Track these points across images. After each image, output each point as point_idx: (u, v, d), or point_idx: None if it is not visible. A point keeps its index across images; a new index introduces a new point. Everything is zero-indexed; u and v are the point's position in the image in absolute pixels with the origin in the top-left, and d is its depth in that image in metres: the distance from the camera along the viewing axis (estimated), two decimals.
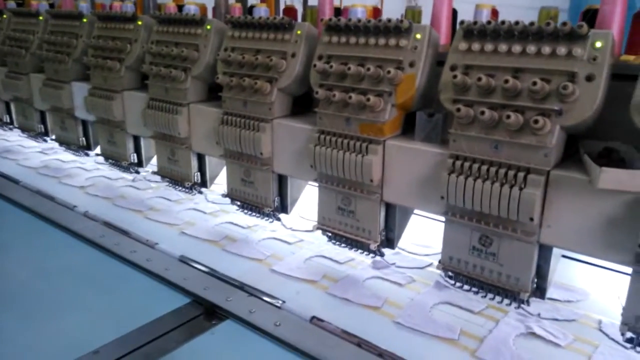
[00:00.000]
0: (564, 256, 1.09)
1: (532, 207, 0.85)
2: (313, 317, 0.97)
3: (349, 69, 1.04)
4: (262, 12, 1.38)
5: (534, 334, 0.94)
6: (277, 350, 0.92)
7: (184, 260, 1.20)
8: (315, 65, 1.10)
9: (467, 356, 0.89)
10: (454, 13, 1.16)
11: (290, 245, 1.29)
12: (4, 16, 2.11)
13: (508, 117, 0.85)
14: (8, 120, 2.29)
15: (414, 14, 1.20)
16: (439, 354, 0.90)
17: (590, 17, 0.99)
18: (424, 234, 1.32)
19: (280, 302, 1.02)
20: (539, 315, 0.99)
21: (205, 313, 1.01)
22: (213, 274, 1.14)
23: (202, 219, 1.44)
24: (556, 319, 0.98)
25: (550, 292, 1.02)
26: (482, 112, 0.87)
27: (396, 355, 0.88)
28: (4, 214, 1.53)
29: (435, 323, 0.97)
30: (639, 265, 0.81)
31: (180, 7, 1.60)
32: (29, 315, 1.03)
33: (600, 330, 0.96)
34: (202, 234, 1.35)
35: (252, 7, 1.46)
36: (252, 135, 1.24)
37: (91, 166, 1.88)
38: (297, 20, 1.37)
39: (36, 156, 2.00)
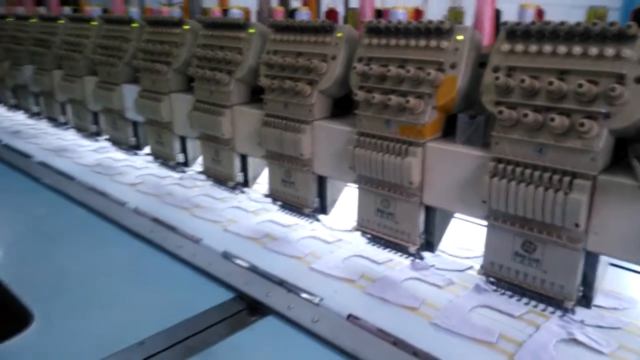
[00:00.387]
0: (611, 264, 1.05)
1: (578, 213, 0.83)
2: (350, 315, 0.99)
3: (389, 70, 1.05)
4: (304, 15, 1.40)
5: (575, 341, 0.91)
6: (314, 345, 0.94)
7: (226, 256, 1.24)
8: (355, 67, 1.11)
9: None
10: (497, 13, 1.14)
11: (329, 245, 1.31)
12: (60, 22, 2.22)
13: (552, 119, 0.83)
14: (64, 121, 2.41)
15: (456, 14, 1.19)
16: (476, 356, 0.89)
17: None
18: (465, 237, 1.30)
19: (318, 299, 1.04)
20: (582, 322, 0.96)
21: (248, 308, 1.04)
22: (254, 269, 1.17)
23: (244, 217, 1.48)
24: (600, 326, 0.95)
25: (596, 300, 0.99)
26: (526, 115, 0.85)
27: (431, 355, 0.88)
28: (60, 208, 1.62)
29: (473, 326, 0.96)
30: None
31: (225, 11, 1.64)
32: (79, 306, 1.08)
33: None
34: (244, 231, 1.38)
35: (293, 10, 1.49)
36: (293, 136, 1.26)
37: (141, 165, 1.96)
38: (339, 22, 1.38)
39: (90, 154, 2.10)
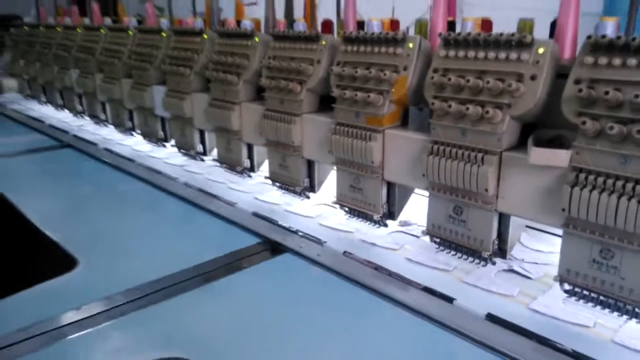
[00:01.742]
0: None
1: None
2: (345, 252, 1.30)
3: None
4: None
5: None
6: (318, 271, 1.24)
7: (256, 214, 1.55)
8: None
9: None
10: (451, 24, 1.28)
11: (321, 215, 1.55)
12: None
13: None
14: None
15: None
16: (434, 278, 1.18)
17: None
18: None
19: (323, 241, 1.36)
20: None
21: (271, 248, 1.36)
22: (276, 222, 1.49)
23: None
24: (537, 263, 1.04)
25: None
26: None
27: (402, 275, 1.17)
28: (124, 183, 1.85)
29: (435, 259, 1.17)
30: None
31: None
32: (125, 251, 1.39)
33: None
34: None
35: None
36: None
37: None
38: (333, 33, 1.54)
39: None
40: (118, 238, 1.45)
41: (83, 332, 0.97)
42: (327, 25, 1.73)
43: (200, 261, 1.26)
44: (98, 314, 1.02)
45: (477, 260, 1.19)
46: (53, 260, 1.28)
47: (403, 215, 1.45)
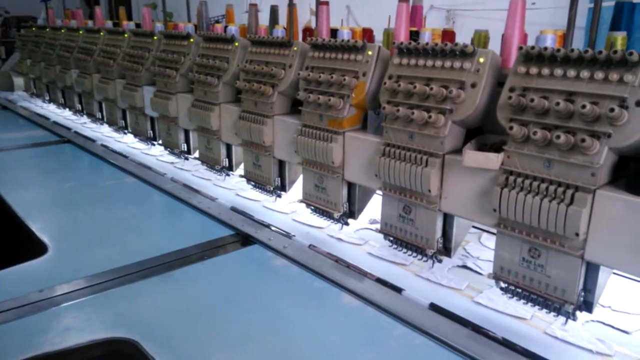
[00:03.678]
0: None
1: None
2: (310, 245, 1.40)
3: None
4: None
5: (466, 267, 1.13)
6: (284, 262, 1.33)
7: (233, 209, 1.65)
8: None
9: None
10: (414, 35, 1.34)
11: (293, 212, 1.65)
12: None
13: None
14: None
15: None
16: (392, 271, 1.27)
17: None
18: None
19: (291, 235, 1.45)
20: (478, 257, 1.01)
21: (242, 239, 1.47)
22: (250, 217, 1.58)
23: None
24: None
25: None
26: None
27: (361, 268, 1.26)
28: (117, 176, 1.85)
29: (395, 254, 1.35)
30: None
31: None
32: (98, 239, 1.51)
33: None
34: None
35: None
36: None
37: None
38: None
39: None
40: (94, 228, 1.54)
41: (42, 312, 1.04)
42: (309, 32, 1.80)
43: (170, 250, 1.35)
44: (57, 296, 1.10)
45: (424, 258, 1.25)
46: (26, 246, 1.36)
47: (373, 215, 1.55)
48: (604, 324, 1.07)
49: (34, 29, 3.64)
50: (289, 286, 1.22)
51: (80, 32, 2.91)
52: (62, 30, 3.15)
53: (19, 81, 4.15)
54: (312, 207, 1.53)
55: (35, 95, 3.71)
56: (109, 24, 2.86)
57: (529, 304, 1.05)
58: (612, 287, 1.16)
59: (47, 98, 3.45)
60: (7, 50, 4.89)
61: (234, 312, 1.10)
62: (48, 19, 3.77)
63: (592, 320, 1.07)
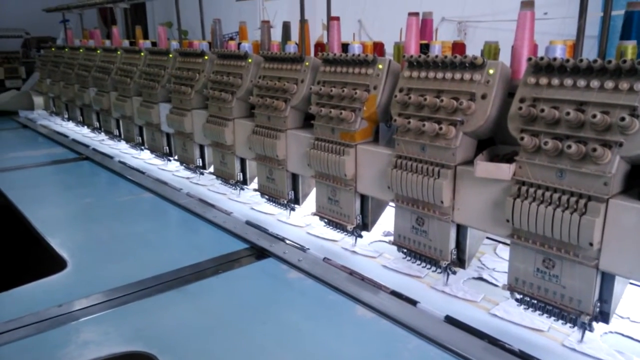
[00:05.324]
0: None
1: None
2: (324, 258, 1.41)
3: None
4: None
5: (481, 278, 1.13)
6: (299, 275, 1.35)
7: (248, 223, 1.68)
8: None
9: None
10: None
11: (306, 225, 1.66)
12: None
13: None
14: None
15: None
16: (406, 284, 1.28)
17: None
18: None
19: (306, 248, 1.47)
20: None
21: (257, 253, 1.49)
22: (264, 230, 1.61)
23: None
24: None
25: None
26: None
27: (374, 280, 1.27)
28: (135, 192, 1.89)
29: (410, 267, 1.34)
30: None
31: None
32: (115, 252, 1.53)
33: None
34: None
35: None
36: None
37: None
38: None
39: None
40: (112, 243, 1.57)
41: (61, 327, 1.07)
42: (321, 47, 1.82)
43: (186, 264, 1.37)
44: (76, 310, 1.12)
45: (438, 270, 1.25)
46: (46, 262, 1.39)
47: (387, 227, 1.55)
48: (623, 335, 1.05)
49: (53, 49, 3.74)
50: (303, 299, 1.23)
51: (98, 51, 3.00)
52: (81, 50, 3.24)
53: (38, 100, 4.25)
54: (326, 220, 1.54)
55: (55, 113, 3.81)
56: (126, 43, 2.93)
57: (545, 315, 1.04)
58: (630, 297, 1.14)
59: (66, 116, 3.53)
60: (27, 70, 5.02)
61: (249, 324, 1.11)
62: (67, 39, 3.89)
63: (611, 332, 1.06)
